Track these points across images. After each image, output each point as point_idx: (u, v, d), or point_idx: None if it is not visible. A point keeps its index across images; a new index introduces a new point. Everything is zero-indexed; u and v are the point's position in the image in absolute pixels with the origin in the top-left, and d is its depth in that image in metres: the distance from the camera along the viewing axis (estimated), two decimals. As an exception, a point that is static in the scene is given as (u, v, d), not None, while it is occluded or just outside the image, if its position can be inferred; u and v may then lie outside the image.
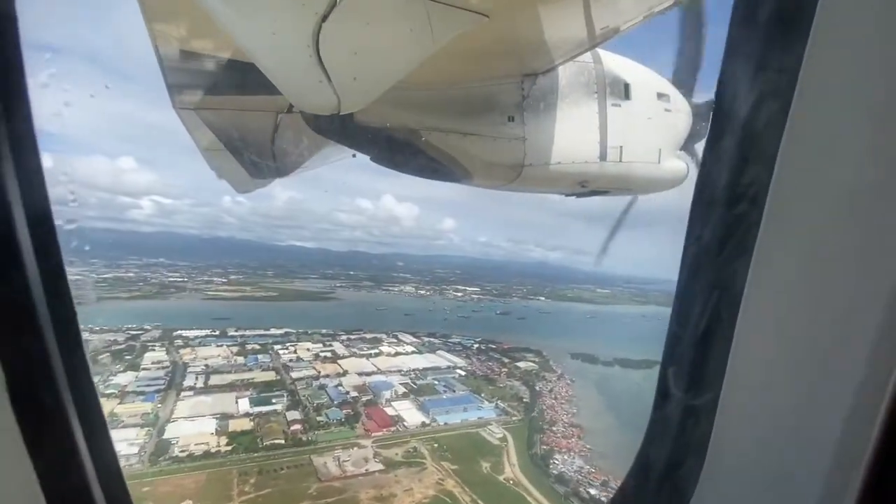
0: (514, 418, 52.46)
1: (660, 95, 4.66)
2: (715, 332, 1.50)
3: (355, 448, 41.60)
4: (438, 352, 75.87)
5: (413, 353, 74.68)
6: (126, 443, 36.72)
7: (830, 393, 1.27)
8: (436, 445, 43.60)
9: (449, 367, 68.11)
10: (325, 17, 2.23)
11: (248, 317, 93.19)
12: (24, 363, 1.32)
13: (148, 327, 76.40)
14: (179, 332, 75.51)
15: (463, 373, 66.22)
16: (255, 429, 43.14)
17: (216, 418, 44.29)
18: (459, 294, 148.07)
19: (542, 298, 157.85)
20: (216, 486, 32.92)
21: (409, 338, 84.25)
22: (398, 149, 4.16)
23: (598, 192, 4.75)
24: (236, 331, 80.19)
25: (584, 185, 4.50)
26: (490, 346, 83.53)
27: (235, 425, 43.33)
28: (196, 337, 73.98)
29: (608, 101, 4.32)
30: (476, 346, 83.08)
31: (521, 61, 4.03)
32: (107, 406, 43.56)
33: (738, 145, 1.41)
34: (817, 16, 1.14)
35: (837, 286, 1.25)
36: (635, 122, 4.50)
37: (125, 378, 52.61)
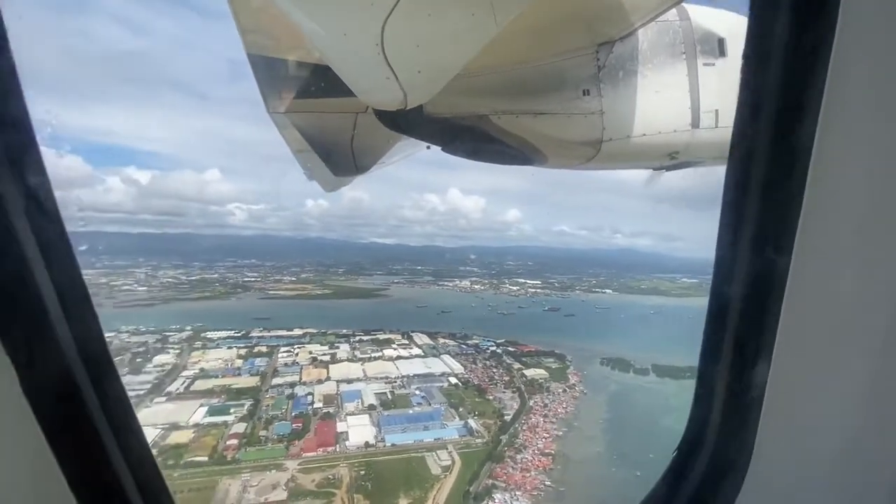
0: (478, 440, 45.84)
1: None
2: (756, 329, 1.45)
3: (273, 471, 38.92)
4: (443, 356, 70.72)
5: (415, 356, 70.62)
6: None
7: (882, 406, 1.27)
8: (362, 472, 39.20)
9: (443, 375, 62.86)
10: (390, 14, 2.20)
11: (287, 316, 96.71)
12: (36, 359, 1.31)
13: (188, 328, 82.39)
14: (207, 333, 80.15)
15: (455, 381, 60.49)
16: (189, 442, 42.66)
17: (162, 428, 44.71)
18: (515, 288, 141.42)
19: (609, 291, 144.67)
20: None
21: (423, 339, 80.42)
22: (469, 137, 4.06)
23: (691, 164, 4.42)
24: (261, 332, 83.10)
25: (674, 157, 4.15)
26: (509, 348, 76.51)
27: (173, 437, 43.31)
28: (218, 338, 77.64)
29: (699, 60, 3.95)
30: (493, 348, 76.61)
31: (594, 30, 3.78)
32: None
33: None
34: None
35: (886, 281, 1.24)
36: (733, 80, 2.90)
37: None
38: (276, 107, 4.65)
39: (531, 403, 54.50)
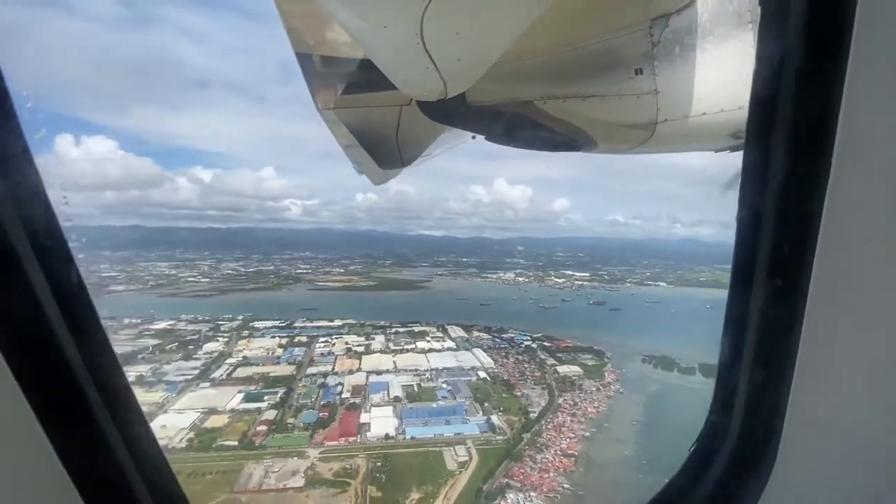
0: (499, 437, 44.96)
1: None
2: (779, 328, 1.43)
3: (294, 458, 40.36)
4: (475, 350, 70.23)
5: (447, 350, 70.64)
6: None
7: None
8: (379, 464, 39.67)
9: (472, 369, 62.42)
10: (429, 3, 2.17)
11: (331, 307, 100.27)
12: (32, 355, 1.32)
13: (239, 318, 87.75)
14: (255, 322, 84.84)
15: (484, 376, 59.85)
16: (223, 427, 45.25)
17: (202, 412, 47.82)
18: (561, 281, 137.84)
19: (662, 284, 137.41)
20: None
21: (458, 332, 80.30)
22: (513, 124, 3.98)
23: None
24: (304, 322, 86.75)
25: (739, 137, 3.63)
26: (545, 343, 74.63)
27: (210, 421, 46.12)
28: (264, 328, 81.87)
29: None
30: (528, 343, 75.11)
31: (646, 3, 3.53)
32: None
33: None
34: None
35: None
36: None
37: (171, 367, 60.65)
38: (325, 103, 4.77)
39: (560, 401, 52.72)
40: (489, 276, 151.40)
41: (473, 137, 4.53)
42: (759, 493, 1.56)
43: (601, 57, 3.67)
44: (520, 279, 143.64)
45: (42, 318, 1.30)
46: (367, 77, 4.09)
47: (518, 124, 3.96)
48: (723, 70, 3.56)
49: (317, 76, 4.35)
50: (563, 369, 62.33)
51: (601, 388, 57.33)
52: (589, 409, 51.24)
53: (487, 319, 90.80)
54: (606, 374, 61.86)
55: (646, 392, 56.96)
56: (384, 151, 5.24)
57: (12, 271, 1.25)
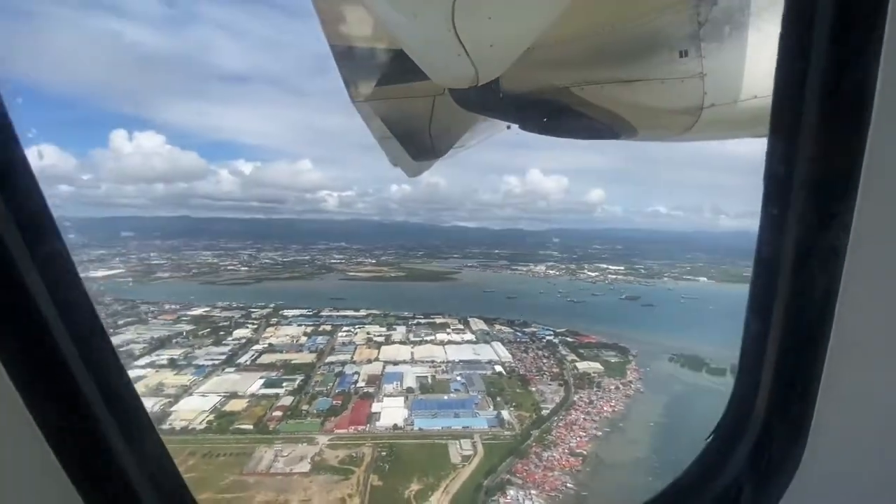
0: (507, 432, 44.41)
1: None
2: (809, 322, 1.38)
3: (304, 444, 41.52)
4: (494, 343, 69.67)
5: (466, 342, 70.47)
6: (136, 411, 44.77)
7: None
8: (384, 454, 40.14)
9: (489, 362, 61.99)
10: None
11: (359, 297, 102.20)
12: (29, 355, 1.31)
13: (270, 306, 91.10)
14: (284, 311, 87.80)
15: (500, 370, 59.31)
16: (241, 411, 47.17)
17: (224, 396, 50.06)
18: (594, 274, 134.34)
19: (703, 279, 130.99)
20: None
21: (479, 324, 79.92)
22: (548, 112, 3.90)
23: None
24: (330, 312, 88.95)
25: None
26: (567, 339, 73.00)
27: (230, 405, 48.19)
28: (292, 316, 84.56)
29: None
30: (550, 338, 73.67)
31: None
32: (157, 377, 53.75)
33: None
34: None
35: None
36: None
37: (202, 352, 63.83)
38: (359, 95, 4.76)
39: (575, 399, 51.45)
40: (519, 268, 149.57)
41: (508, 127, 4.41)
42: (793, 470, 1.45)
43: (643, 39, 3.45)
44: (551, 272, 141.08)
45: (37, 315, 1.27)
46: (399, 67, 4.06)
47: (554, 112, 3.83)
48: (776, 49, 3.02)
49: (351, 68, 4.38)
50: (583, 366, 60.74)
51: (621, 386, 55.45)
52: (605, 408, 49.71)
53: (512, 313, 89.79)
54: (629, 372, 59.77)
55: (668, 392, 54.58)
56: (417, 143, 5.22)
57: (7, 271, 1.23)
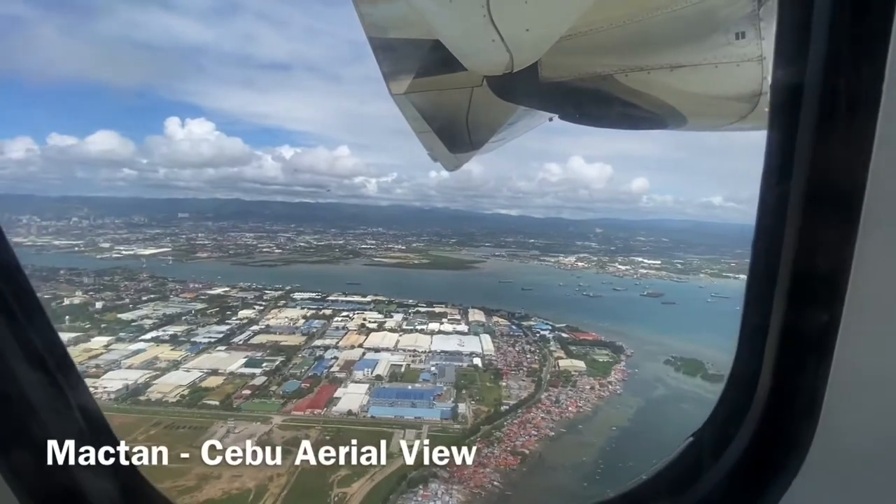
0: (457, 426, 43.93)
1: None
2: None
3: (258, 423, 43.45)
4: (482, 335, 68.81)
5: (456, 333, 70.07)
6: (122, 381, 48.97)
7: None
8: (327, 438, 41.14)
9: (470, 354, 61.39)
10: None
11: (375, 283, 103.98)
12: None
13: (286, 288, 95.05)
14: (295, 294, 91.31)
15: (477, 362, 58.66)
16: (214, 388, 50.02)
17: (204, 373, 53.29)
18: (624, 268, 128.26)
19: (743, 277, 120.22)
20: (122, 427, 40.71)
21: (478, 315, 79.09)
22: (590, 101, 3.75)
23: None
24: (336, 296, 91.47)
25: None
26: (563, 334, 70.62)
27: (207, 382, 51.14)
28: (300, 299, 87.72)
29: None
30: (545, 332, 71.50)
31: None
32: (155, 351, 58.05)
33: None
34: None
35: None
36: None
37: (203, 329, 68.02)
38: (397, 87, 4.69)
39: (542, 396, 49.89)
40: (548, 259, 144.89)
41: (550, 119, 4.26)
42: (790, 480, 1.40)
43: (694, 21, 3.20)
44: (580, 264, 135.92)
45: None
46: (437, 58, 3.95)
47: (596, 101, 3.63)
48: None
49: (388, 59, 4.29)
50: (566, 363, 58.52)
51: (597, 386, 52.91)
52: (570, 409, 47.79)
53: (517, 305, 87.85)
54: (613, 372, 56.93)
55: (646, 397, 51.51)
56: (455, 135, 5.13)
57: None
